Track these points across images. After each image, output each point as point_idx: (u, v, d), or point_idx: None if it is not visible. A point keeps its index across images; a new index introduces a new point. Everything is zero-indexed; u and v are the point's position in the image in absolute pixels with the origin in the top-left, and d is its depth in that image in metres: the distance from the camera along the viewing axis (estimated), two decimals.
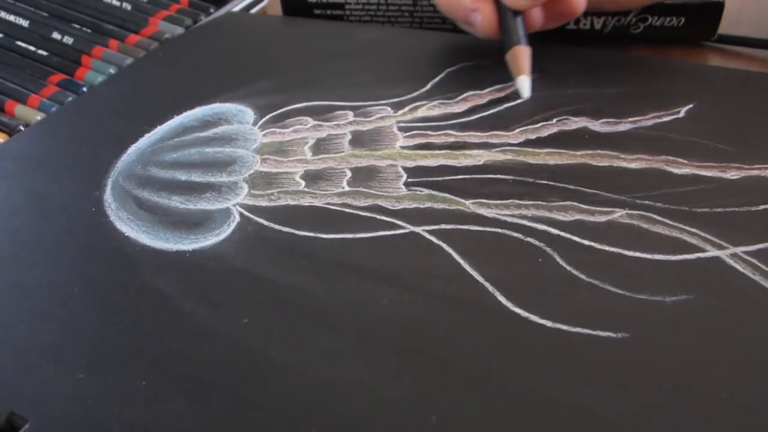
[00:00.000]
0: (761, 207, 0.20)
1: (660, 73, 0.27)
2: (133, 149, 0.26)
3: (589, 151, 0.23)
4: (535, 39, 0.31)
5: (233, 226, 0.22)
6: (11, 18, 0.39)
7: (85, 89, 0.33)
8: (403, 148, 0.25)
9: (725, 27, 0.31)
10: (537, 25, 0.28)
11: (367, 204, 0.22)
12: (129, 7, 0.40)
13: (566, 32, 0.33)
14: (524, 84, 0.26)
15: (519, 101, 0.27)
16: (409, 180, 0.23)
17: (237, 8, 0.40)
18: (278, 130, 0.27)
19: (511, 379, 0.16)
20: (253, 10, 0.41)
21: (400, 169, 0.24)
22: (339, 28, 0.35)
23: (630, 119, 0.25)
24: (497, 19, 0.27)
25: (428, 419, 0.16)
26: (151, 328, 0.19)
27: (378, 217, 0.22)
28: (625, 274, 0.19)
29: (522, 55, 0.27)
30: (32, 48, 0.37)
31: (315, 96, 0.28)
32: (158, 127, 0.28)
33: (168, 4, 0.41)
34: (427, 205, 0.22)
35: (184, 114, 0.28)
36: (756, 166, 0.22)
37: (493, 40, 0.28)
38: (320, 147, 0.26)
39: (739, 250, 0.19)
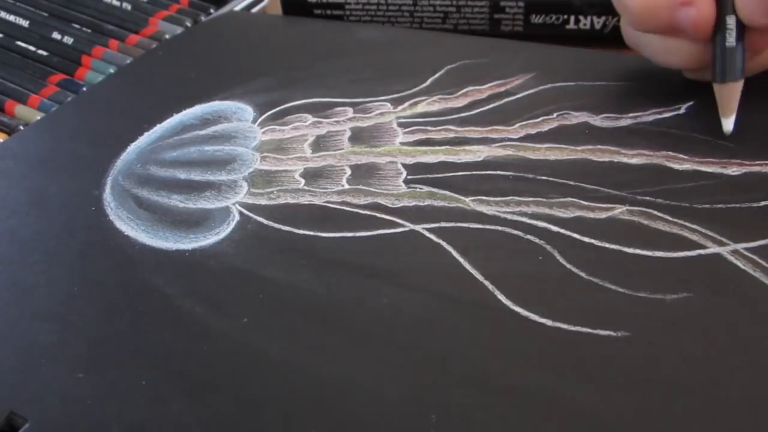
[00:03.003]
0: (762, 203, 0.20)
1: (660, 72, 0.27)
2: (133, 148, 0.26)
3: (590, 147, 0.23)
4: (534, 39, 0.31)
5: (233, 224, 0.22)
6: (11, 18, 0.39)
7: (85, 89, 0.33)
8: (402, 144, 0.25)
9: None
10: (765, 49, 0.23)
11: (366, 202, 0.22)
12: (129, 7, 0.40)
13: (566, 32, 0.33)
14: (728, 124, 0.23)
15: (519, 96, 0.26)
16: (408, 177, 0.23)
17: (237, 8, 0.40)
18: (278, 127, 0.27)
19: (511, 378, 0.16)
20: (253, 10, 0.41)
21: (400, 166, 0.24)
22: (339, 27, 0.35)
23: (631, 114, 0.24)
24: (715, 19, 0.22)
25: (428, 418, 0.16)
26: (150, 328, 0.19)
27: (378, 215, 0.22)
28: (625, 271, 0.19)
29: (736, 92, 0.23)
30: (32, 48, 0.37)
31: (314, 93, 0.28)
32: (157, 125, 0.28)
33: (168, 4, 0.40)
34: (427, 202, 0.22)
35: (184, 112, 0.28)
36: (757, 162, 0.22)
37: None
38: (320, 144, 0.25)
39: (740, 246, 0.19)
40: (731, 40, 0.22)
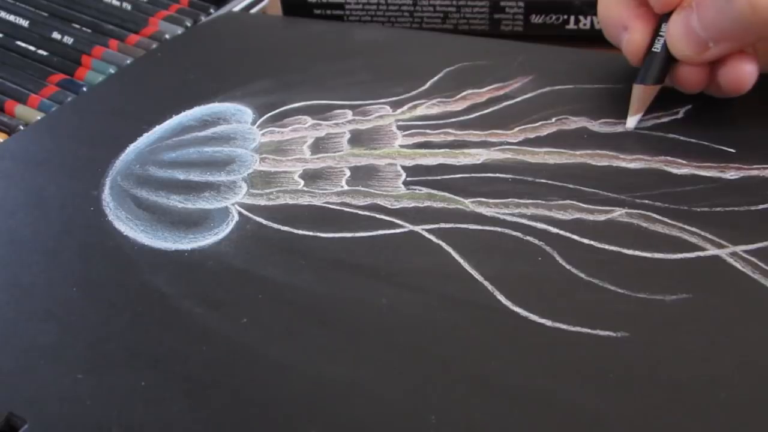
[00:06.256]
0: (761, 206, 0.20)
1: None
2: (132, 148, 0.26)
3: (589, 151, 0.23)
4: (534, 39, 0.31)
5: (232, 225, 0.22)
6: (11, 18, 0.39)
7: (85, 89, 0.33)
8: (402, 146, 0.25)
9: None
10: (694, 87, 0.23)
11: (366, 203, 0.22)
12: (129, 7, 0.40)
13: (566, 32, 0.33)
14: (631, 122, 0.24)
15: (518, 99, 0.26)
16: (408, 179, 0.23)
17: (237, 8, 0.40)
18: (277, 129, 0.27)
19: (511, 379, 0.16)
20: (253, 10, 0.41)
21: (399, 168, 0.24)
22: (339, 28, 0.35)
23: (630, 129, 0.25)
24: (646, 47, 0.23)
25: (428, 419, 0.16)
26: (149, 328, 0.19)
27: (377, 216, 0.22)
28: (624, 273, 0.19)
29: (645, 96, 0.24)
30: (32, 48, 0.37)
31: (314, 95, 0.28)
32: (157, 126, 0.28)
33: (168, 4, 0.41)
34: (427, 204, 0.22)
35: (183, 113, 0.28)
36: (755, 166, 0.22)
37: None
38: (319, 146, 0.26)
39: (739, 248, 0.19)
40: (657, 46, 0.23)
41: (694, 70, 0.23)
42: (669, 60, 0.23)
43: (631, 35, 0.23)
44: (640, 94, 0.24)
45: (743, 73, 0.22)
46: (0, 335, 0.19)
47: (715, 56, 0.22)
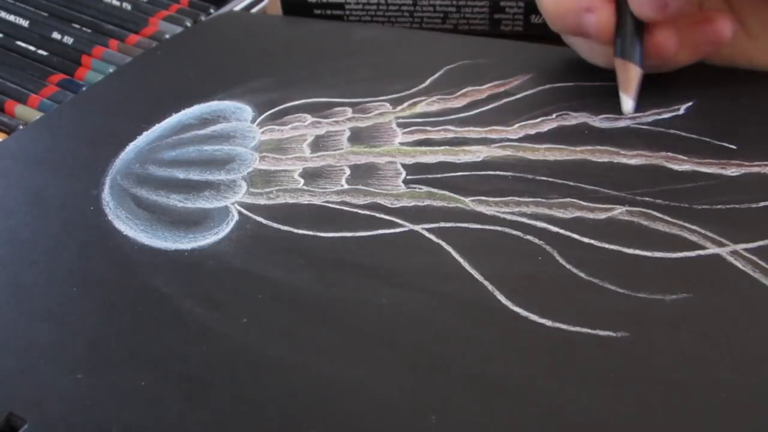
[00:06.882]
0: (762, 204, 0.20)
1: (658, 73, 0.27)
2: (131, 147, 0.26)
3: (589, 147, 0.23)
4: (534, 39, 0.31)
5: (232, 224, 0.22)
6: (11, 18, 0.39)
7: (84, 89, 0.33)
8: (402, 144, 0.25)
9: None
10: (668, 51, 0.24)
11: (366, 202, 0.22)
12: (129, 7, 0.40)
13: None
14: (627, 104, 0.24)
15: (518, 96, 0.26)
16: (408, 177, 0.23)
17: (237, 8, 0.40)
18: (277, 127, 0.27)
19: (511, 379, 0.16)
20: (253, 10, 0.41)
21: (399, 166, 0.24)
22: (339, 27, 0.35)
23: (630, 115, 0.24)
24: (615, 23, 0.24)
25: (428, 419, 0.16)
26: (149, 328, 0.19)
27: (377, 215, 0.22)
28: (624, 272, 0.19)
29: (632, 75, 0.24)
30: (32, 48, 0.37)
31: (313, 93, 0.28)
32: (156, 125, 0.28)
33: (168, 4, 0.40)
34: (427, 202, 0.22)
35: (183, 112, 0.28)
36: (756, 163, 0.22)
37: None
38: (319, 144, 0.25)
39: (740, 247, 0.19)
40: (624, 19, 0.24)
41: (665, 34, 0.23)
42: (639, 29, 0.23)
43: (599, 14, 0.23)
44: (627, 72, 0.24)
45: (718, 29, 0.23)
46: (0, 335, 0.19)
47: (677, 10, 0.22)
